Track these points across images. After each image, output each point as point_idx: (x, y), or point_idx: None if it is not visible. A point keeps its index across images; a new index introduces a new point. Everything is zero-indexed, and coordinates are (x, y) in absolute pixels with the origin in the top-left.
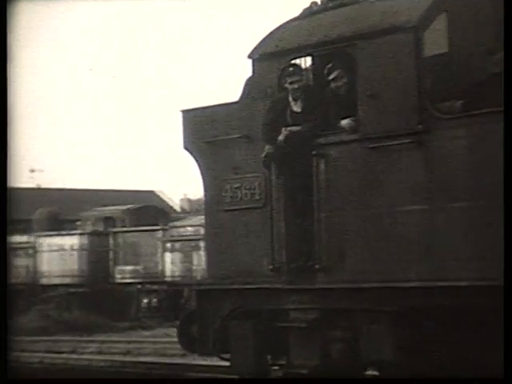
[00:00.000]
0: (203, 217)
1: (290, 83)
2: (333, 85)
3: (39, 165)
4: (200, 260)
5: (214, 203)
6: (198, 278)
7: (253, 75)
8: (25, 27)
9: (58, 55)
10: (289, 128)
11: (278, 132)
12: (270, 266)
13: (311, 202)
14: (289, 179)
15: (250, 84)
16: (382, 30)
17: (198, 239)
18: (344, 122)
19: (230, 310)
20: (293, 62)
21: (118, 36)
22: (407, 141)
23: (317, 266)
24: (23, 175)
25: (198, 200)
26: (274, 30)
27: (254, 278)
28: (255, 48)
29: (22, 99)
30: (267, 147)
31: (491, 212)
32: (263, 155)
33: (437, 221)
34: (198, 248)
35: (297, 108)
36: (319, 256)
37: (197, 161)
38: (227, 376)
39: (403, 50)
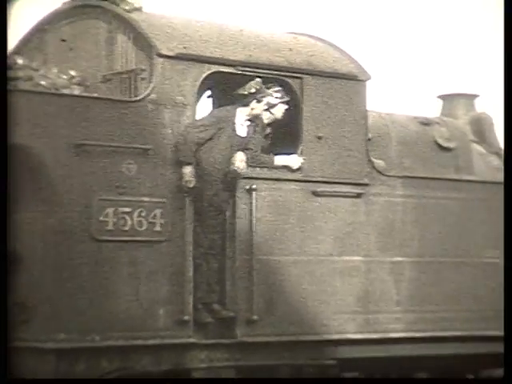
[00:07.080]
0: None
1: (269, 105)
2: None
3: None
4: None
5: (78, 228)
6: None
7: (153, 72)
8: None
9: None
10: (246, 152)
11: (211, 154)
12: (187, 317)
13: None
14: (207, 210)
15: (150, 82)
16: (335, 72)
17: None
18: (291, 160)
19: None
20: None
21: None
22: (353, 191)
23: (255, 317)
24: None
25: None
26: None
27: (144, 333)
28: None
29: None
30: (190, 169)
31: None
32: (187, 178)
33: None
34: None
35: (241, 132)
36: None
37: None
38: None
39: (356, 99)
